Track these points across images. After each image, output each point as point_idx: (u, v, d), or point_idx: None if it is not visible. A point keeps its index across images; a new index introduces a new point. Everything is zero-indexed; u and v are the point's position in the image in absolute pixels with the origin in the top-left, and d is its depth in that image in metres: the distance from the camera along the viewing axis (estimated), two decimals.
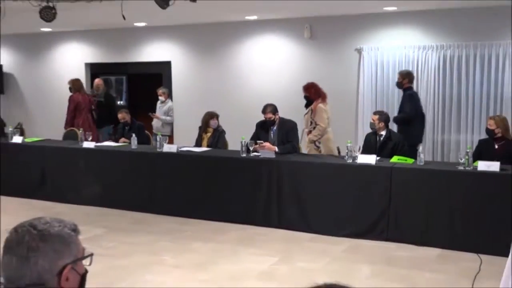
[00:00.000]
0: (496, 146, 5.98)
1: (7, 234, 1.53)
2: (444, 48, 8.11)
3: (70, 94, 9.29)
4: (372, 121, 6.55)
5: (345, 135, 7.70)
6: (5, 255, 1.49)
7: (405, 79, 7.62)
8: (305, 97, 7.55)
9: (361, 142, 6.86)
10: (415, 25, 8.33)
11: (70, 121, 9.42)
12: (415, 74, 8.13)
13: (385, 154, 6.20)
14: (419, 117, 7.62)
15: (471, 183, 5.51)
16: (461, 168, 5.57)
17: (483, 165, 5.48)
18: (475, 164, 5.58)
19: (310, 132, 7.35)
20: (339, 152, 7.05)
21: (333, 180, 6.04)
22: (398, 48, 8.41)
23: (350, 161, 6.02)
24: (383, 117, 6.49)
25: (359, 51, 8.68)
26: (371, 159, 5.95)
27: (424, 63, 8.25)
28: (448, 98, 8.17)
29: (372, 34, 8.62)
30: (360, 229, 5.83)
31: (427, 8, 7.90)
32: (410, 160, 6.04)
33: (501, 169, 5.37)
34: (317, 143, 7.23)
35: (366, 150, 6.30)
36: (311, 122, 7.38)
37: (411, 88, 7.69)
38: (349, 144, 6.12)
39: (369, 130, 6.75)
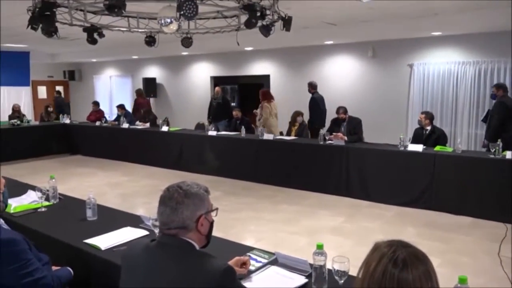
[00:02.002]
0: None
1: (162, 192, 1.59)
2: (479, 63, 7.49)
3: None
4: (420, 118, 6.20)
5: (398, 129, 7.42)
6: (161, 206, 1.56)
7: (310, 87, 8.13)
8: (259, 98, 8.31)
9: (410, 135, 6.53)
10: (455, 46, 7.76)
11: (136, 114, 10.40)
12: (455, 84, 7.70)
13: (429, 144, 5.87)
14: (322, 110, 8.08)
15: (500, 168, 5.05)
16: (491, 156, 5.17)
17: (510, 155, 5.04)
18: (503, 153, 5.16)
19: (259, 120, 8.20)
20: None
21: (388, 162, 5.80)
22: (442, 64, 7.87)
23: (402, 148, 5.76)
24: (429, 115, 6.12)
25: (411, 66, 8.23)
26: (418, 147, 5.66)
27: (463, 75, 7.66)
28: (481, 101, 7.53)
29: (421, 53, 8.13)
30: (407, 200, 5.57)
31: (465, 32, 7.36)
32: (449, 149, 5.68)
33: None
34: (261, 126, 7.82)
35: (414, 141, 5.97)
36: (260, 114, 8.17)
37: (316, 92, 8.09)
38: (401, 136, 5.86)
39: (417, 126, 6.41)
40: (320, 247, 1.81)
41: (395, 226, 4.95)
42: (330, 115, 6.84)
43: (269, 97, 8.28)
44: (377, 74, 8.71)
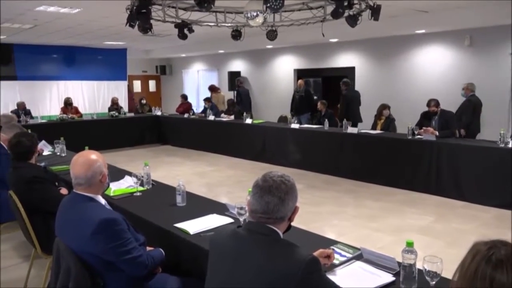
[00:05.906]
0: None
1: (260, 182, 1.59)
2: None
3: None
4: None
5: (497, 124, 6.79)
6: (267, 195, 1.54)
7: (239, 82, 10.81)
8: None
9: None
10: None
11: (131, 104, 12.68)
12: None
13: None
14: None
15: None
16: None
17: None
18: None
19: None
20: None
21: (485, 160, 5.34)
22: None
23: (502, 145, 5.28)
24: None
25: None
26: None
27: None
28: None
29: None
30: (508, 201, 5.07)
31: None
32: None
33: None
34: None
35: None
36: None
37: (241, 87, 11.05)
38: (502, 132, 5.37)
39: None
40: (410, 244, 1.73)
41: (492, 229, 4.56)
42: (421, 108, 6.47)
43: (215, 90, 11.11)
44: (475, 64, 8.04)
